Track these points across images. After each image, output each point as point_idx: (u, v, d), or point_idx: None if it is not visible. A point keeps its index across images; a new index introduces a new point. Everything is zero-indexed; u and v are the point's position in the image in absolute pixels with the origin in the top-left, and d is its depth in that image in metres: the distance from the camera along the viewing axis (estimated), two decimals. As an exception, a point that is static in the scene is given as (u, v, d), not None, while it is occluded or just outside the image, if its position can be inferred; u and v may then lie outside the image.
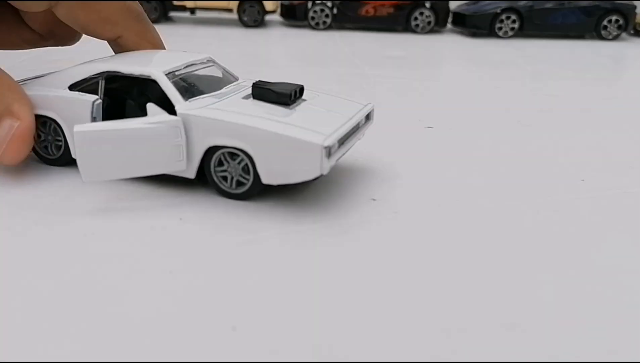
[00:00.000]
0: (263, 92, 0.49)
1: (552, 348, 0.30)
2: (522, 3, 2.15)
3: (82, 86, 0.50)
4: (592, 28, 2.15)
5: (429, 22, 2.20)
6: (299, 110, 0.49)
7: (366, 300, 0.34)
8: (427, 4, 2.20)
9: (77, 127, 0.43)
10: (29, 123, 0.48)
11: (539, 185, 0.54)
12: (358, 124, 0.50)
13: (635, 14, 2.22)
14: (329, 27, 2.20)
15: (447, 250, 0.41)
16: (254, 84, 0.50)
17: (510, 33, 2.11)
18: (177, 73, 0.50)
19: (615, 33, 2.15)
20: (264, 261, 0.38)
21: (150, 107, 0.46)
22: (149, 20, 0.61)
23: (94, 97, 0.49)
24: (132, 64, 0.50)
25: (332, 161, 0.44)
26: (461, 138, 0.69)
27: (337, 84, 1.03)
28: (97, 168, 0.44)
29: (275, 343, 0.30)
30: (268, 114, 0.46)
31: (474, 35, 2.13)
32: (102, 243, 0.40)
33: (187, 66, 0.52)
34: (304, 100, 0.51)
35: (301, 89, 0.51)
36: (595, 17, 2.15)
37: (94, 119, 0.49)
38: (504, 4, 2.15)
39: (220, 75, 0.55)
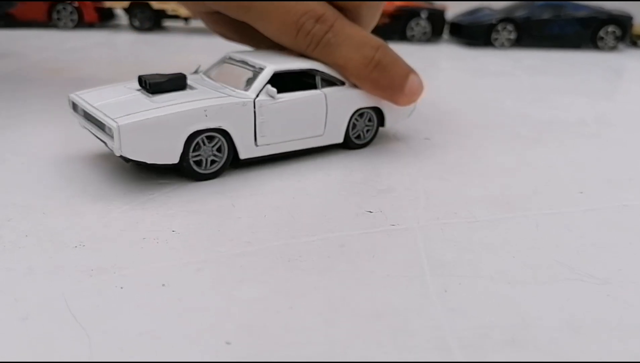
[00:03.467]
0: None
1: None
2: (518, 14, 2.15)
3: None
4: (588, 39, 2.16)
5: (425, 32, 2.20)
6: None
7: (363, 313, 0.33)
8: (424, 14, 2.20)
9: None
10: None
11: (537, 197, 0.53)
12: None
13: (632, 25, 2.23)
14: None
15: (444, 264, 0.40)
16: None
17: (507, 44, 2.11)
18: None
19: (612, 44, 2.15)
20: (258, 274, 0.37)
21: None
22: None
23: None
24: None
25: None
26: (459, 150, 0.68)
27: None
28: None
29: (270, 358, 0.29)
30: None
31: (470, 45, 2.13)
32: (93, 254, 0.39)
33: None
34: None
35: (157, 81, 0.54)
36: (591, 28, 2.15)
37: None
38: (501, 15, 2.15)
39: None
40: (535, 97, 1.10)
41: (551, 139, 0.75)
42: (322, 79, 0.60)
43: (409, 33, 2.20)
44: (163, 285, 0.35)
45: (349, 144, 0.64)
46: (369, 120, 0.65)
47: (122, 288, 0.35)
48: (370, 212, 0.48)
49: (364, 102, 0.63)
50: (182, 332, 0.31)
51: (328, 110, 0.60)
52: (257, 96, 0.55)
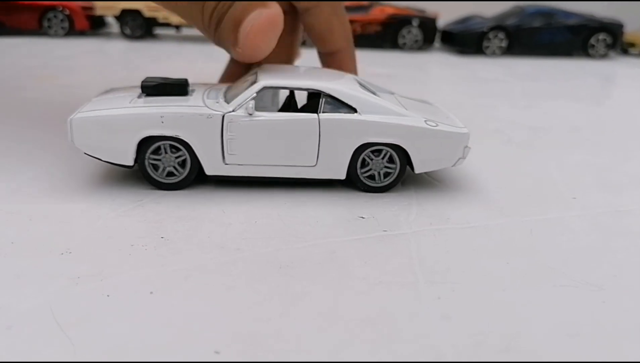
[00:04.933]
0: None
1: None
2: (509, 22, 2.16)
3: None
4: (579, 47, 2.16)
5: (417, 41, 2.20)
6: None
7: (355, 320, 0.33)
8: (415, 22, 2.21)
9: None
10: (278, 11, 0.52)
11: (531, 203, 0.53)
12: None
13: (623, 32, 2.24)
14: (317, 45, 2.19)
15: (437, 270, 0.39)
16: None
17: (498, 52, 2.12)
18: None
19: (603, 52, 2.16)
20: (248, 281, 0.37)
21: None
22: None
23: None
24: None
25: None
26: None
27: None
28: None
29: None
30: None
31: (462, 53, 2.14)
32: (80, 262, 0.38)
33: None
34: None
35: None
36: (582, 35, 2.16)
37: None
38: (492, 23, 2.16)
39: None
40: (527, 104, 1.10)
41: (543, 145, 0.75)
42: (328, 103, 0.52)
43: (400, 41, 2.21)
44: (151, 292, 0.35)
45: (358, 184, 0.54)
46: (390, 160, 0.53)
47: (108, 296, 0.34)
48: (363, 218, 0.47)
49: (377, 137, 0.52)
50: (170, 340, 0.30)
51: (322, 138, 0.51)
52: (234, 110, 0.50)
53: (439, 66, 1.78)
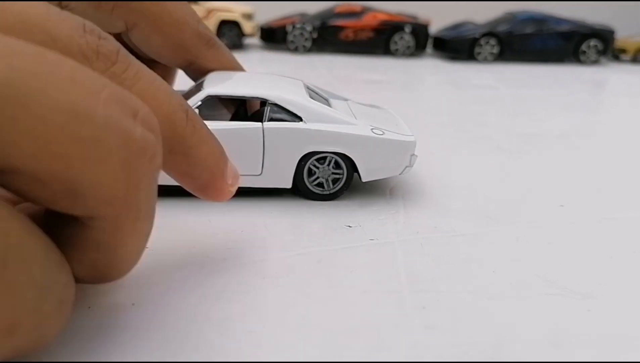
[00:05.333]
0: None
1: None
2: (501, 28, 2.16)
3: None
4: (570, 53, 2.17)
5: (409, 47, 2.21)
6: None
7: (339, 330, 0.33)
8: (407, 29, 2.21)
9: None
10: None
11: (518, 211, 0.53)
12: None
13: (614, 38, 2.25)
14: (309, 51, 2.20)
15: (422, 279, 0.39)
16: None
17: (490, 58, 2.12)
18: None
19: (594, 58, 2.17)
20: (233, 292, 0.36)
21: None
22: (222, 45, 0.57)
23: None
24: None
25: None
26: (441, 163, 0.68)
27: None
28: None
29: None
30: None
31: (454, 59, 2.14)
32: (63, 273, 0.38)
33: None
34: None
35: None
36: (574, 42, 2.17)
37: None
38: (484, 29, 2.16)
39: None
40: (518, 111, 1.10)
41: (533, 152, 0.75)
42: (273, 111, 0.51)
43: (392, 47, 2.21)
44: (133, 304, 0.34)
45: (307, 193, 0.53)
46: (337, 167, 0.53)
47: (89, 307, 0.34)
48: (350, 227, 0.47)
49: (322, 146, 0.52)
50: (151, 353, 0.30)
51: (266, 147, 0.51)
52: None
53: (431, 72, 1.78)
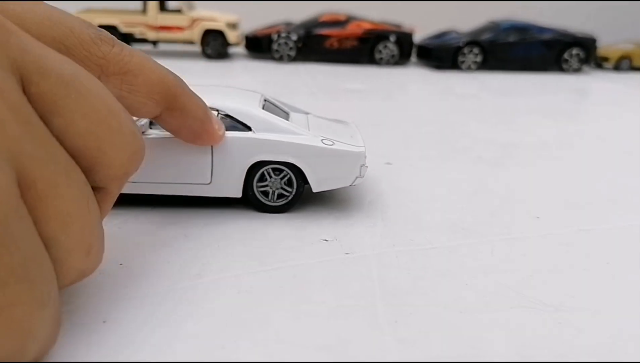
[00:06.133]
0: None
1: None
2: (484, 37, 2.18)
3: None
4: (553, 61, 2.18)
5: (393, 55, 2.21)
6: None
7: (311, 346, 0.33)
8: (392, 38, 2.22)
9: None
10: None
11: (495, 222, 0.53)
12: None
13: (596, 47, 2.26)
14: (294, 60, 2.20)
15: (396, 292, 0.39)
16: None
17: (474, 67, 2.13)
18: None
19: (576, 66, 2.19)
20: (206, 308, 0.36)
21: None
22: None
23: None
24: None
25: None
26: (420, 174, 0.68)
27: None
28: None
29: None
30: None
31: (438, 68, 2.15)
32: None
33: None
34: None
35: None
36: (556, 50, 2.18)
37: None
38: (467, 38, 2.17)
39: None
40: (499, 120, 1.11)
41: (512, 163, 0.76)
42: (223, 121, 0.51)
43: (377, 56, 2.22)
44: (104, 321, 0.34)
45: (256, 204, 0.53)
46: (288, 184, 0.53)
47: (62, 324, 0.34)
48: (326, 240, 0.48)
49: (271, 155, 0.52)
50: (122, 370, 0.30)
51: (215, 156, 0.51)
52: None
53: (415, 81, 1.79)
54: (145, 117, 0.46)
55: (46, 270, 0.27)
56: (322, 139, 0.53)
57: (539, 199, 0.60)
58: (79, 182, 0.30)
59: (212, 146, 0.51)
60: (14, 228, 0.25)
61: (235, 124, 0.52)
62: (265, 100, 0.57)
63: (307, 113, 0.63)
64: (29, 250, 0.26)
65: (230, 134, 0.51)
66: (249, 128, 0.52)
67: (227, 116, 0.52)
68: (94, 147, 0.32)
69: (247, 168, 0.52)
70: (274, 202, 0.53)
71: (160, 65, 0.42)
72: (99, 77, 0.37)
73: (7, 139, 0.26)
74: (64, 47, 0.35)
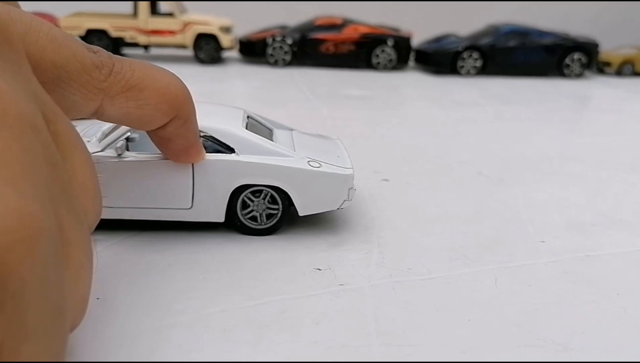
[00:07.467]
0: None
1: None
2: (484, 41, 2.15)
3: None
4: (554, 66, 2.16)
5: (391, 60, 2.19)
6: None
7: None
8: (389, 42, 2.20)
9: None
10: None
11: (497, 248, 0.50)
12: None
13: (598, 51, 2.24)
14: (289, 64, 2.18)
15: (393, 330, 0.37)
16: None
17: (473, 72, 2.11)
18: None
19: (578, 71, 2.16)
20: (186, 349, 0.34)
21: None
22: None
23: None
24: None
25: None
26: (418, 193, 0.65)
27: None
28: None
29: None
30: None
31: (436, 73, 2.13)
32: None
33: None
34: None
35: None
36: (557, 55, 2.16)
37: None
38: (466, 42, 2.15)
39: None
40: (499, 130, 1.09)
41: (513, 179, 0.73)
42: (205, 142, 0.49)
43: (374, 60, 2.20)
44: (77, 368, 0.32)
45: (241, 227, 0.51)
46: (273, 202, 0.51)
47: None
48: (319, 270, 0.45)
49: (255, 179, 0.49)
50: None
51: (196, 180, 0.48)
52: (102, 150, 0.48)
53: (413, 88, 1.77)
54: (153, 128, 0.43)
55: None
56: (309, 161, 0.50)
57: (542, 220, 0.58)
58: (87, 231, 0.29)
59: (193, 169, 0.48)
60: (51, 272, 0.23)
61: (218, 146, 0.49)
62: (248, 117, 0.54)
63: (291, 129, 0.60)
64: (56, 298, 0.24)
65: (212, 156, 0.48)
66: (232, 150, 0.49)
67: (210, 137, 0.49)
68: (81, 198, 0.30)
69: (230, 192, 0.49)
70: (264, 224, 0.51)
71: (164, 71, 0.42)
72: (101, 101, 0.37)
73: (42, 179, 0.24)
74: (64, 73, 0.35)
